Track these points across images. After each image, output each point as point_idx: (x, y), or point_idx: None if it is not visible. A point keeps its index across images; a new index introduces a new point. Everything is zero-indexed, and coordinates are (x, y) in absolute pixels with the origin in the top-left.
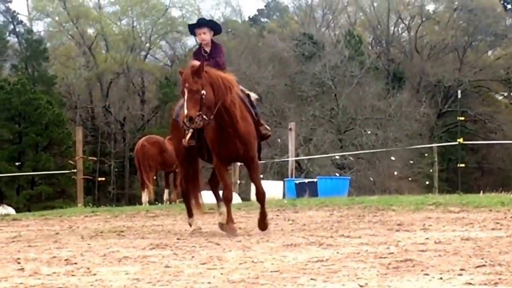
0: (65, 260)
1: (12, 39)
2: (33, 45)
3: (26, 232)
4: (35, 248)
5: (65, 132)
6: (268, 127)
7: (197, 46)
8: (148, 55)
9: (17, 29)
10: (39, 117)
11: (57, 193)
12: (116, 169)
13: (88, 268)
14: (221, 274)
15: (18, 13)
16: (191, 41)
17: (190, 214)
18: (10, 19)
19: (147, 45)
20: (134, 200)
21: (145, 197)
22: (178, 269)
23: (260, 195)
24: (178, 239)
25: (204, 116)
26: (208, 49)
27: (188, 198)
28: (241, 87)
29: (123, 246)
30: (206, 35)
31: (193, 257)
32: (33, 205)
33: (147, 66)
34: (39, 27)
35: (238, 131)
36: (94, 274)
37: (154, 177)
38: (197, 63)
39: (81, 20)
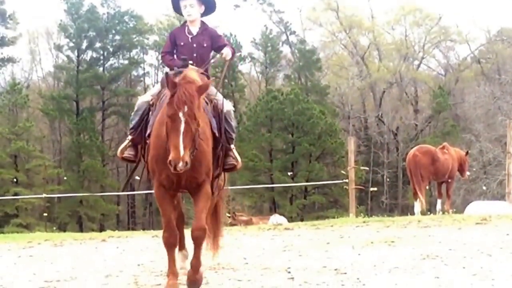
0: (335, 270)
1: (285, 50)
2: (306, 55)
3: (297, 241)
4: (306, 258)
5: (337, 142)
6: (236, 156)
7: (180, 25)
8: (421, 64)
9: (290, 40)
10: (312, 127)
11: (330, 203)
12: (389, 179)
13: (358, 278)
14: (492, 285)
15: (291, 24)
16: (464, 50)
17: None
18: (283, 30)
19: (420, 54)
20: (407, 210)
21: (417, 207)
22: (449, 280)
23: (197, 232)
24: (449, 249)
25: None
26: (194, 30)
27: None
28: (213, 91)
29: (394, 256)
30: (193, 9)
31: (464, 268)
32: (306, 215)
33: (420, 75)
34: (312, 37)
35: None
36: (364, 284)
37: (427, 187)
38: (192, 73)
39: (354, 29)
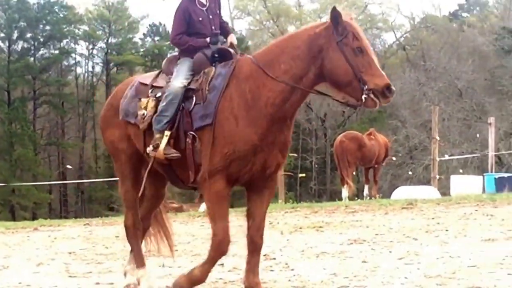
0: (264, 255)
1: None
2: None
3: None
4: (236, 244)
5: None
6: None
7: None
8: None
9: None
10: None
11: None
12: (317, 165)
13: (287, 264)
14: (418, 269)
15: None
16: (390, 37)
17: (139, 263)
18: None
19: None
20: (335, 195)
21: (344, 192)
22: (375, 264)
23: (261, 239)
24: (376, 234)
25: None
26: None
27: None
28: None
29: (322, 242)
30: None
31: (390, 252)
32: (236, 201)
33: None
34: (240, 25)
35: (288, 135)
36: (292, 269)
37: (354, 173)
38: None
39: (282, 18)
